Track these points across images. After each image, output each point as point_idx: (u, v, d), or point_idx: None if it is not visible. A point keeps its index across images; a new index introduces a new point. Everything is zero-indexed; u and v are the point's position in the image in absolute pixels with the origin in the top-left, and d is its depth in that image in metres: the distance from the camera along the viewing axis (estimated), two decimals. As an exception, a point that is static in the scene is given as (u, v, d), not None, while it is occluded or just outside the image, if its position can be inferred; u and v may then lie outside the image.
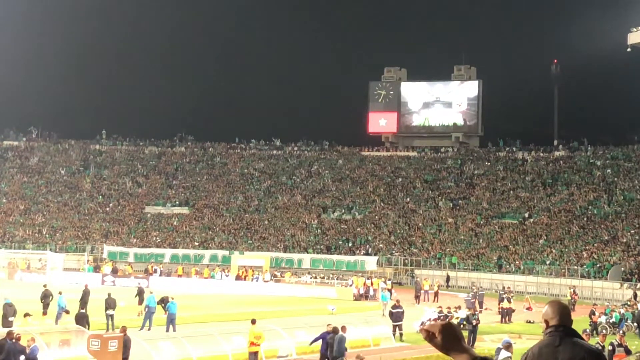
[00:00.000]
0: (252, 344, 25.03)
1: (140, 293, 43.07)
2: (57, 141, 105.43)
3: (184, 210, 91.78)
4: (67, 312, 31.80)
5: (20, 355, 20.14)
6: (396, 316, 35.77)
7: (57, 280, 55.48)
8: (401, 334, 35.25)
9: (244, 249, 79.74)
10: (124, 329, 25.57)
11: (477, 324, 32.74)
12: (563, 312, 4.80)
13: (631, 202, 76.85)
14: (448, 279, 69.65)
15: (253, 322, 25.74)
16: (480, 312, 44.61)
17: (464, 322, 36.89)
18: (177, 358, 25.36)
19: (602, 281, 62.51)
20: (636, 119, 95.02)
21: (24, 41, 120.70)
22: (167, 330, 33.60)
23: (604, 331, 34.48)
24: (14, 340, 20.40)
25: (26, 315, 28.94)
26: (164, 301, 36.99)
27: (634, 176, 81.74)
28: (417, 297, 55.01)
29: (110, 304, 34.80)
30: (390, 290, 58.73)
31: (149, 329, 34.46)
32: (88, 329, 30.31)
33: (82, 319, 31.12)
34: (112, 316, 34.42)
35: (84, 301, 36.56)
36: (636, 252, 67.26)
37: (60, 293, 35.38)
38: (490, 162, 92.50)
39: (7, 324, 28.93)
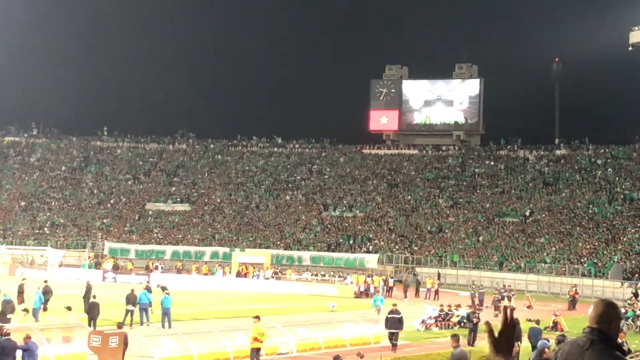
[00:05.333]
0: (255, 339, 24.96)
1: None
2: (58, 138, 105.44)
3: (185, 207, 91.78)
4: (69, 308, 31.92)
5: (15, 351, 20.02)
6: (391, 323, 31.06)
7: (56, 276, 55.53)
8: (394, 345, 30.64)
9: (245, 246, 79.70)
10: (120, 326, 25.61)
11: (477, 322, 32.68)
12: (602, 314, 4.48)
13: (632, 201, 76.83)
14: (439, 276, 68.74)
15: (257, 318, 25.57)
16: (481, 310, 44.69)
17: (465, 321, 36.96)
18: (177, 354, 25.34)
19: (603, 280, 62.53)
20: (638, 118, 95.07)
21: (26, 38, 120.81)
22: (163, 326, 33.65)
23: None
24: (9, 337, 20.28)
25: (24, 311, 28.96)
26: (163, 289, 37.19)
27: (635, 175, 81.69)
28: (405, 292, 56.82)
29: (130, 299, 35.35)
30: (392, 288, 59.01)
31: (148, 325, 34.57)
32: (98, 315, 31.63)
33: (94, 308, 32.01)
34: (132, 312, 34.83)
35: (87, 297, 36.67)
36: (637, 251, 67.23)
37: (39, 288, 35.84)
38: (491, 161, 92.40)
39: (4, 320, 28.92)
